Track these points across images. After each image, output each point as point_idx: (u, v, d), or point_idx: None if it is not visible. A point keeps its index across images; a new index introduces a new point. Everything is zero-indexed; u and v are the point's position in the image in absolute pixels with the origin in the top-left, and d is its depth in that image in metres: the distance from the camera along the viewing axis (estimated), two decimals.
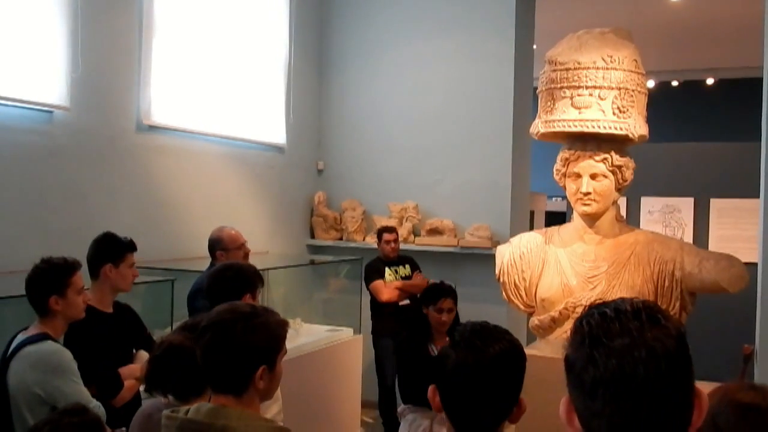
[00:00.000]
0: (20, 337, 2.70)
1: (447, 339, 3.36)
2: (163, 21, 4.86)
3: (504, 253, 4.18)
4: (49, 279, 2.71)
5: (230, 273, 2.98)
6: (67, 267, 2.75)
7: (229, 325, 1.71)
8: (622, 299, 1.07)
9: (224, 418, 1.61)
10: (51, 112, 4.12)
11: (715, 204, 7.59)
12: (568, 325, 4.06)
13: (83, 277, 2.90)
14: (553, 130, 3.84)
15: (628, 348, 0.98)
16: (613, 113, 3.67)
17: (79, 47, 4.21)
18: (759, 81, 3.96)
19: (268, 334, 1.73)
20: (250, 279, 2.98)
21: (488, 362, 1.48)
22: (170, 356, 2.25)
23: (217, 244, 3.97)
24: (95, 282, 3.09)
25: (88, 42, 4.29)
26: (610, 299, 1.10)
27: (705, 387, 1.82)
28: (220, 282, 2.96)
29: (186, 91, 5.07)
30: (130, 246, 3.15)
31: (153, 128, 4.79)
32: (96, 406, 2.64)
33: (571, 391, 1.04)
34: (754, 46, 4.91)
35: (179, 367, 2.20)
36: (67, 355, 2.67)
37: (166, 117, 4.88)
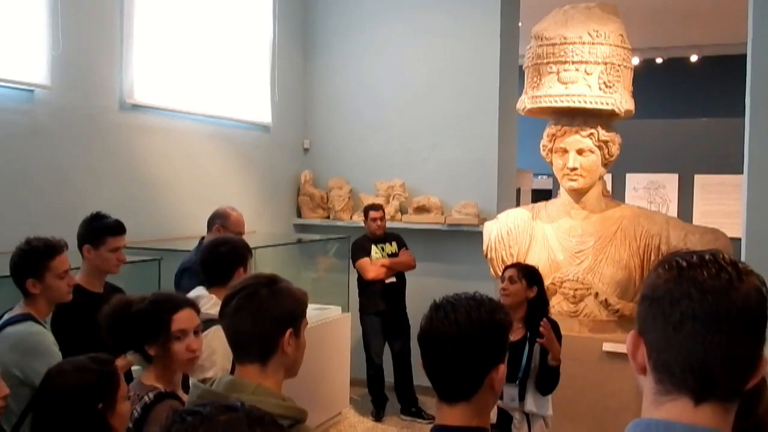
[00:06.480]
0: (5, 318, 2.66)
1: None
2: None
3: (491, 230, 4.19)
4: (26, 262, 2.64)
5: (224, 248, 2.99)
6: (47, 250, 2.67)
7: (253, 289, 1.74)
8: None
9: (239, 390, 1.62)
10: (32, 90, 4.05)
11: (699, 180, 7.64)
12: (556, 300, 4.10)
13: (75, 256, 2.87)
14: (539, 105, 3.84)
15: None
16: (600, 88, 3.68)
17: (59, 25, 4.13)
18: (742, 58, 3.97)
19: (292, 297, 1.76)
20: (241, 253, 3.00)
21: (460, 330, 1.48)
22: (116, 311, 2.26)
23: (220, 219, 3.85)
24: (83, 261, 3.06)
25: (69, 19, 4.20)
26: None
27: None
28: (213, 256, 2.97)
29: (170, 69, 5.00)
30: (112, 230, 3.03)
31: (136, 107, 4.73)
32: None
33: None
34: (737, 23, 4.92)
35: (116, 321, 2.23)
36: (48, 337, 2.62)
37: (149, 96, 4.81)
